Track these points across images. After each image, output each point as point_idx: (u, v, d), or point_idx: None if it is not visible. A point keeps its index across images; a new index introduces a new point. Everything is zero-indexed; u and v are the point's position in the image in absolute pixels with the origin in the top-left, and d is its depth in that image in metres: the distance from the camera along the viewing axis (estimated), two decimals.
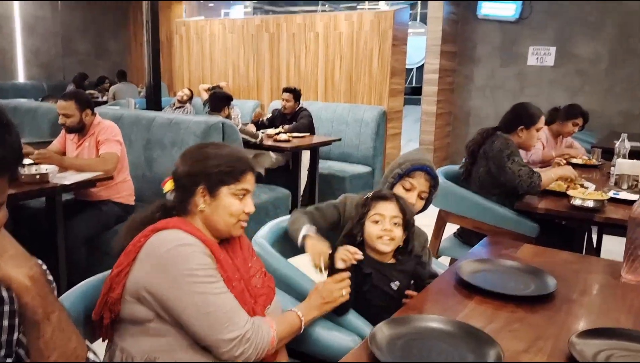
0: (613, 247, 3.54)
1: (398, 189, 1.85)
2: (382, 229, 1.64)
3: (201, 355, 1.27)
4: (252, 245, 1.58)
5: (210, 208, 1.35)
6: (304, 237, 1.77)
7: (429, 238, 2.03)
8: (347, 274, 1.55)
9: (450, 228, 3.18)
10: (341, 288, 1.51)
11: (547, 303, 1.49)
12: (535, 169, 2.78)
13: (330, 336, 1.53)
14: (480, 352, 1.19)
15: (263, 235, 1.86)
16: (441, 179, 2.91)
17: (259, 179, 2.53)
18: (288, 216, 2.02)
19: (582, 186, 2.92)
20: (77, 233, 2.98)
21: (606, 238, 3.98)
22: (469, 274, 1.63)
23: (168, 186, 1.41)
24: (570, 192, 2.62)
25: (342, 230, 1.83)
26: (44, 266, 0.92)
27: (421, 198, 1.87)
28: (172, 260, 1.23)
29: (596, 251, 3.82)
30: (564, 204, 2.64)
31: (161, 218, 1.36)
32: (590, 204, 2.52)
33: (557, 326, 1.36)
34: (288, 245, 1.96)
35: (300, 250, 2.05)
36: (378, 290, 1.65)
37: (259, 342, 1.27)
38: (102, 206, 3.17)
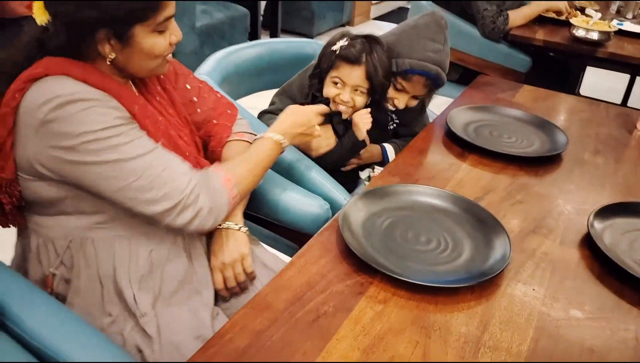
0: (595, 81, 3.27)
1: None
2: (340, 98, 1.29)
3: (145, 225, 0.98)
4: (179, 64, 1.18)
5: (123, 54, 0.93)
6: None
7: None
8: (325, 108, 1.25)
9: None
10: (319, 121, 1.20)
11: (555, 165, 1.23)
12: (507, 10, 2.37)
13: (289, 199, 1.24)
14: (482, 237, 0.93)
15: (208, 71, 1.46)
16: None
17: None
18: (242, 45, 1.63)
19: (583, 12, 2.54)
20: None
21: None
22: (461, 126, 1.34)
23: (38, 11, 0.89)
24: (573, 20, 2.26)
25: None
26: None
27: (415, 98, 1.41)
28: (58, 124, 0.85)
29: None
30: (564, 35, 2.29)
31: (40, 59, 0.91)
32: (594, 36, 2.18)
33: (570, 196, 1.11)
34: (241, 82, 1.60)
35: (255, 90, 1.70)
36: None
37: (205, 206, 0.95)
38: None
